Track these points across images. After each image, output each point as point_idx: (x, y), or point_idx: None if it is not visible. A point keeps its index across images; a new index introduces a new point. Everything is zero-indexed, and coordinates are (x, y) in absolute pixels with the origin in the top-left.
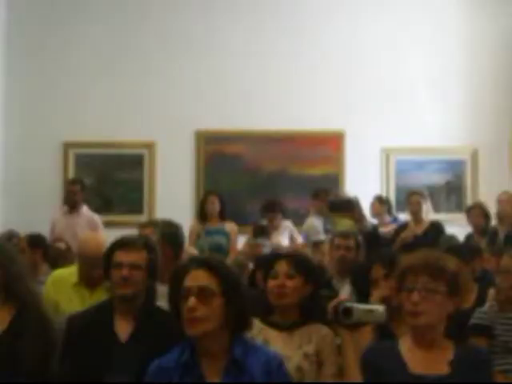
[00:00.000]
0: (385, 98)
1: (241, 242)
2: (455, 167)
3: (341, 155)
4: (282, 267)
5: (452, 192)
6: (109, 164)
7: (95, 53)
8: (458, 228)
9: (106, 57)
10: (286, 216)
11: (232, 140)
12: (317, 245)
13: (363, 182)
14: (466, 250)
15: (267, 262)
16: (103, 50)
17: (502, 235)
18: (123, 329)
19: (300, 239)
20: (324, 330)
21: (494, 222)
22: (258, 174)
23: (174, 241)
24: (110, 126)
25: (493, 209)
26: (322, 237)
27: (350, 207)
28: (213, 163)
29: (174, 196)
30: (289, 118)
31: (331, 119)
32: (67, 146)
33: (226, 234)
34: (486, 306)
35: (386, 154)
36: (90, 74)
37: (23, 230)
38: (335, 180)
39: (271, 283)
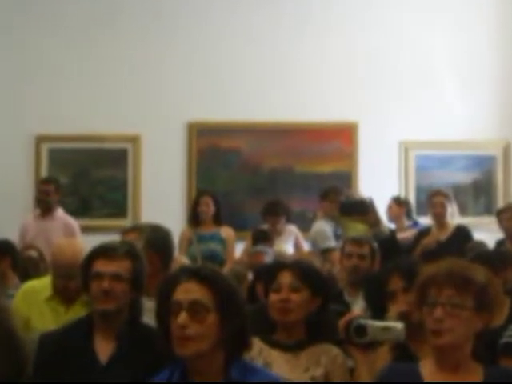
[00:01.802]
0: (404, 86)
1: (239, 249)
2: (484, 164)
3: (354, 150)
4: (285, 279)
5: (480, 192)
6: (87, 160)
7: (71, 37)
8: (487, 233)
9: (83, 42)
10: (290, 220)
11: (229, 133)
12: (326, 253)
13: (379, 181)
14: (496, 259)
15: (269, 273)
16: (80, 34)
17: None
18: (104, 349)
19: (306, 246)
20: (334, 351)
21: None
22: (258, 172)
23: (162, 248)
24: (88, 117)
25: None
26: (332, 243)
27: (363, 209)
28: (207, 159)
29: (162, 197)
30: (294, 107)
31: (343, 109)
32: (39, 140)
33: (222, 241)
34: None
35: (405, 148)
36: (65, 60)
37: None
38: (347, 178)
39: (273, 297)
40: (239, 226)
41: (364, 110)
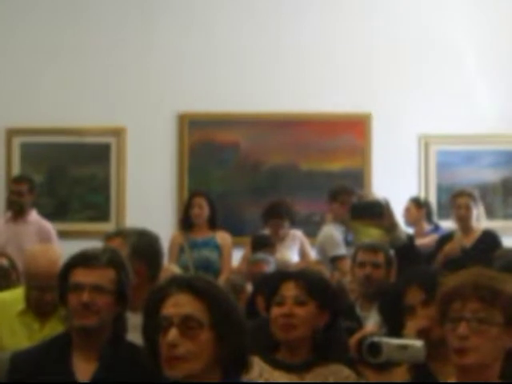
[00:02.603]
0: (424, 73)
1: (236, 257)
2: None
3: (367, 145)
4: (289, 291)
5: (510, 192)
6: (65, 156)
7: (46, 19)
8: None
9: (59, 24)
10: (295, 224)
11: (225, 125)
12: (335, 261)
13: (395, 180)
14: None
15: (270, 284)
16: (56, 16)
17: None
18: (83, 370)
19: (313, 254)
20: (345, 372)
21: None
22: (258, 170)
23: (150, 256)
24: (65, 108)
25: None
26: (342, 251)
27: (377, 212)
28: (200, 155)
29: (149, 198)
30: (299, 96)
31: (355, 99)
32: (11, 134)
33: (217, 248)
34: None
35: (425, 143)
36: (39, 44)
37: None
38: (359, 177)
39: (276, 311)
40: (237, 231)
41: (378, 99)
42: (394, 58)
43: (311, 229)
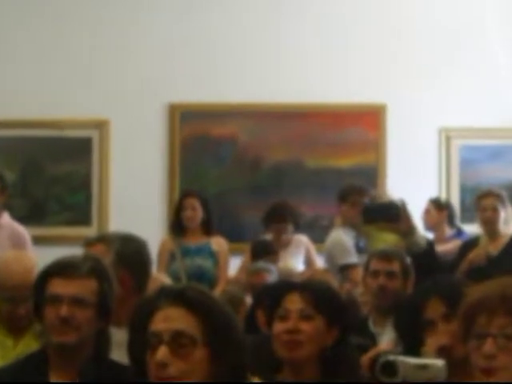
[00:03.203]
0: (445, 59)
1: (234, 265)
2: None
3: (381, 139)
4: (294, 303)
5: None
6: (41, 151)
7: (23, 10)
8: None
9: (38, 13)
10: (300, 228)
11: (221, 117)
12: (345, 270)
13: (413, 179)
14: None
15: (273, 296)
16: (35, 5)
17: None
18: None
19: (320, 262)
20: None
21: None
22: (259, 167)
23: (137, 264)
24: (42, 99)
25: None
26: (353, 258)
27: (393, 215)
28: (193, 151)
29: (136, 199)
30: (305, 85)
31: (367, 87)
32: None
33: (213, 255)
34: None
35: (446, 137)
36: (16, 34)
37: None
38: (372, 175)
39: (279, 327)
40: (235, 236)
41: (394, 88)
42: (412, 43)
43: (318, 234)
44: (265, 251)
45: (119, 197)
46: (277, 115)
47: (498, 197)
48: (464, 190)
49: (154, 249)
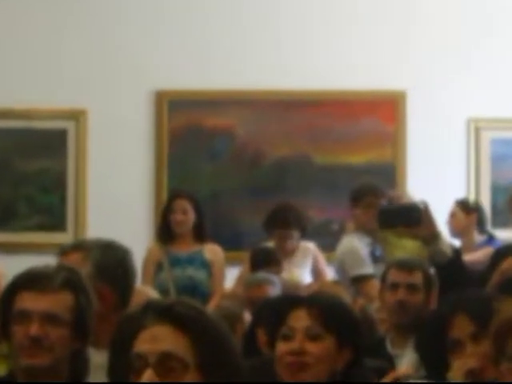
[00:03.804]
0: (475, 40)
1: (231, 277)
2: None
3: (400, 132)
4: (300, 321)
5: None
6: (9, 146)
7: None
8: None
9: None
10: (306, 234)
11: (216, 106)
12: (359, 282)
13: (437, 177)
14: None
15: (276, 313)
16: None
17: None
18: None
19: (331, 273)
20: None
21: None
22: (260, 164)
23: (118, 276)
24: (11, 86)
25: None
26: (368, 269)
27: (414, 219)
28: (184, 145)
29: (117, 200)
30: (313, 70)
31: (384, 73)
32: None
33: (206, 265)
34: None
35: (476, 128)
36: None
37: None
38: (390, 173)
39: (282, 347)
40: (232, 244)
41: (415, 73)
42: (437, 24)
43: (328, 240)
44: (266, 260)
45: (98, 198)
46: (280, 104)
47: None
48: (496, 189)
49: (138, 258)
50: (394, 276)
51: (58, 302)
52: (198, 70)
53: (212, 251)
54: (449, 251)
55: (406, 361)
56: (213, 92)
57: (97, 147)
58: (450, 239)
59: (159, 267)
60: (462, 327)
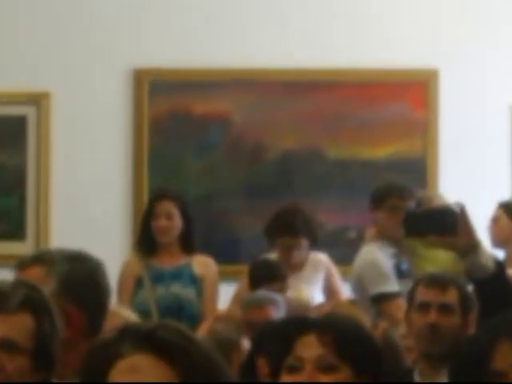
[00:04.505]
0: None
1: (226, 295)
2: None
3: (431, 120)
4: (309, 349)
5: None
6: None
7: None
8: None
9: None
10: (317, 243)
11: (209, 89)
12: (381, 302)
13: (476, 174)
14: None
15: (280, 339)
16: None
17: None
18: None
19: (347, 290)
20: None
21: None
22: (261, 159)
23: (89, 295)
24: None
25: None
26: (393, 286)
27: (448, 225)
28: (168, 135)
29: (88, 202)
30: (326, 47)
31: (413, 49)
32: None
33: (196, 281)
34: None
35: None
36: None
37: None
38: (419, 169)
39: (289, 381)
40: (227, 255)
41: (450, 49)
42: None
43: (343, 251)
44: (269, 276)
45: (64, 200)
46: (286, 87)
47: None
48: None
49: (113, 273)
50: (424, 294)
51: (16, 326)
52: (185, 46)
53: (203, 264)
54: (490, 264)
55: None
56: (203, 71)
57: (62, 138)
58: (491, 250)
59: (139, 284)
60: (505, 355)
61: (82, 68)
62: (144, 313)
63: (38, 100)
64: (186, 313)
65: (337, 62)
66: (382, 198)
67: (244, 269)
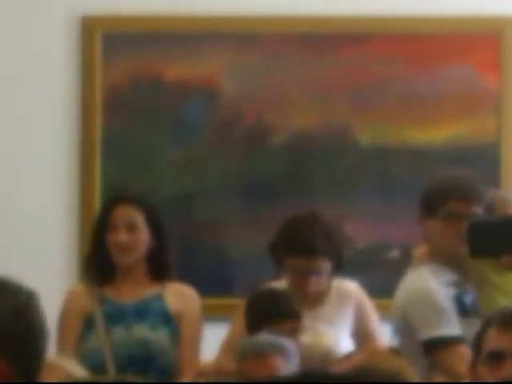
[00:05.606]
0: None
1: (214, 341)
2: None
3: (507, 87)
4: None
5: None
6: None
7: None
8: None
9: None
10: (344, 266)
11: (186, 45)
12: (437, 350)
13: None
14: None
15: None
16: None
17: None
18: None
19: (386, 333)
20: None
21: None
22: (263, 144)
23: (18, 340)
24: None
25: None
26: (452, 328)
27: None
28: (129, 110)
29: (18, 209)
30: None
31: None
32: None
33: (170, 320)
34: None
35: None
36: None
37: None
38: (490, 160)
39: None
40: (214, 284)
41: None
42: None
43: (381, 277)
44: (275, 313)
45: None
46: (299, 42)
47: None
48: None
49: (52, 308)
50: (497, 340)
51: None
52: None
53: (180, 296)
54: None
55: None
56: (179, 20)
57: None
58: None
59: (88, 324)
60: None
61: (11, 16)
62: (95, 365)
63: None
64: (155, 365)
65: (372, 9)
66: (436, 201)
67: (239, 303)
